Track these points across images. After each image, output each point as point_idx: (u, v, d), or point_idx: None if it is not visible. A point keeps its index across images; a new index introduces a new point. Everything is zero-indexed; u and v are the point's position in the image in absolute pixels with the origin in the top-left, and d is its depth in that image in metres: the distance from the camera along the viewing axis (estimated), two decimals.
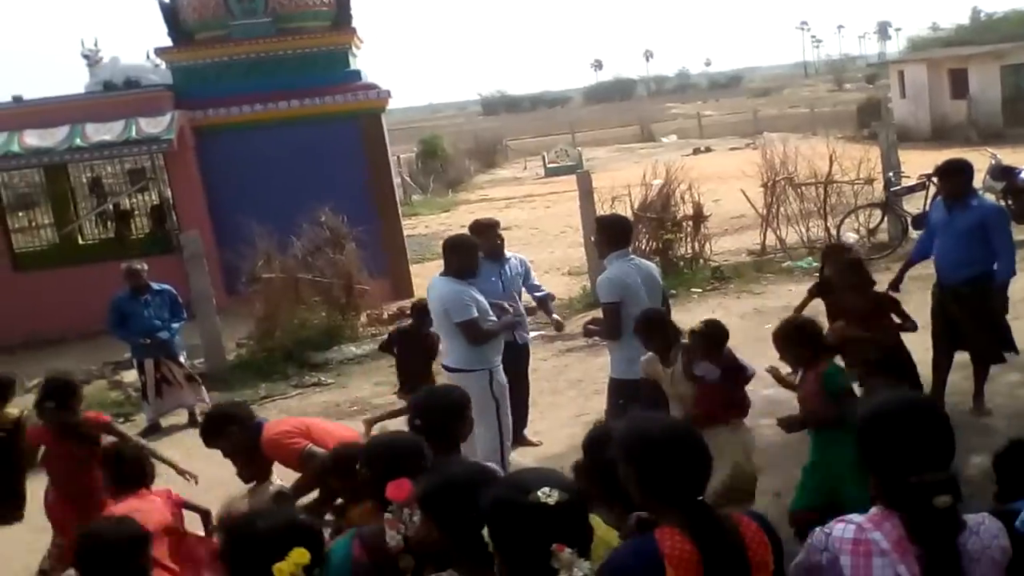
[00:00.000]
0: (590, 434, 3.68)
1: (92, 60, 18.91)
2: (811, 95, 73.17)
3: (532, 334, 9.52)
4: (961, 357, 8.11)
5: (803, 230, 16.00)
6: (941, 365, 7.95)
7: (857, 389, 6.01)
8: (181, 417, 11.00)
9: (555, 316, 9.01)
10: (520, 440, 8.34)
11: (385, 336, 9.60)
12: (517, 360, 8.38)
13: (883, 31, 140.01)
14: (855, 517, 2.74)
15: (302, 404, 10.68)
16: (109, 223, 21.38)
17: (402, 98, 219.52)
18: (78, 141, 15.70)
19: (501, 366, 7.10)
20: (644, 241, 14.70)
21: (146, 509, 4.88)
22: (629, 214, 13.72)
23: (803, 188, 16.05)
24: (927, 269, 8.27)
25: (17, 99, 18.69)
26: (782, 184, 16.04)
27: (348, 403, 11.08)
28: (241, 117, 16.60)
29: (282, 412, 10.99)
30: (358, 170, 16.73)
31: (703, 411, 5.79)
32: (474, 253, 7.20)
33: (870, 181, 15.96)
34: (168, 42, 17.32)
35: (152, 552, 3.77)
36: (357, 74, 17.62)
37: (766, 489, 7.00)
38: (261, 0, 16.93)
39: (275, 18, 17.08)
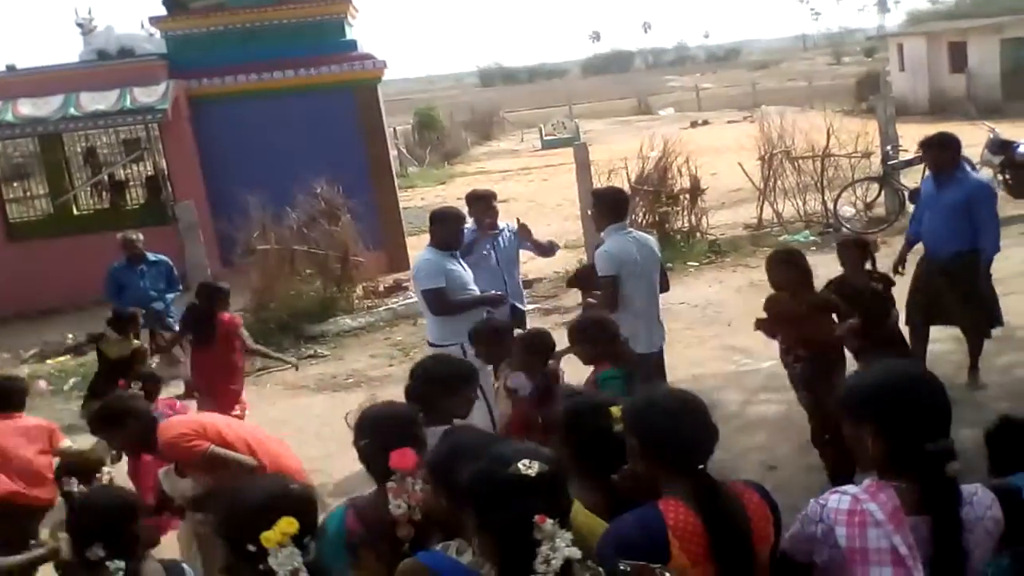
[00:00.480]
0: (568, 406, 3.58)
1: (86, 29, 18.75)
2: (809, 68, 72.92)
3: (529, 307, 9.49)
4: (945, 332, 8.13)
5: (800, 204, 15.97)
6: (917, 337, 7.91)
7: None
8: (177, 388, 10.99)
9: (548, 240, 8.55)
10: None
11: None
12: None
13: (882, 4, 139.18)
14: (850, 488, 2.74)
15: (298, 376, 10.67)
16: (104, 193, 21.34)
17: (399, 69, 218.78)
18: (72, 110, 15.62)
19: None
20: (641, 214, 14.65)
21: None
22: (626, 187, 13.69)
23: (800, 161, 16.01)
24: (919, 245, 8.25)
25: (11, 68, 18.60)
26: (779, 157, 16.00)
27: (344, 375, 11.09)
28: (236, 87, 16.49)
29: (278, 384, 11.02)
30: (354, 141, 16.67)
31: (515, 432, 5.03)
32: (457, 225, 7.17)
33: (868, 155, 15.92)
34: (162, 11, 17.17)
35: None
36: (353, 44, 17.52)
37: (762, 462, 7.06)
38: None
39: None
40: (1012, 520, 2.81)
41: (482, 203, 8.10)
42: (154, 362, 10.56)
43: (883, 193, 15.48)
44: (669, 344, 7.51)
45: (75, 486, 5.18)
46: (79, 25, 18.95)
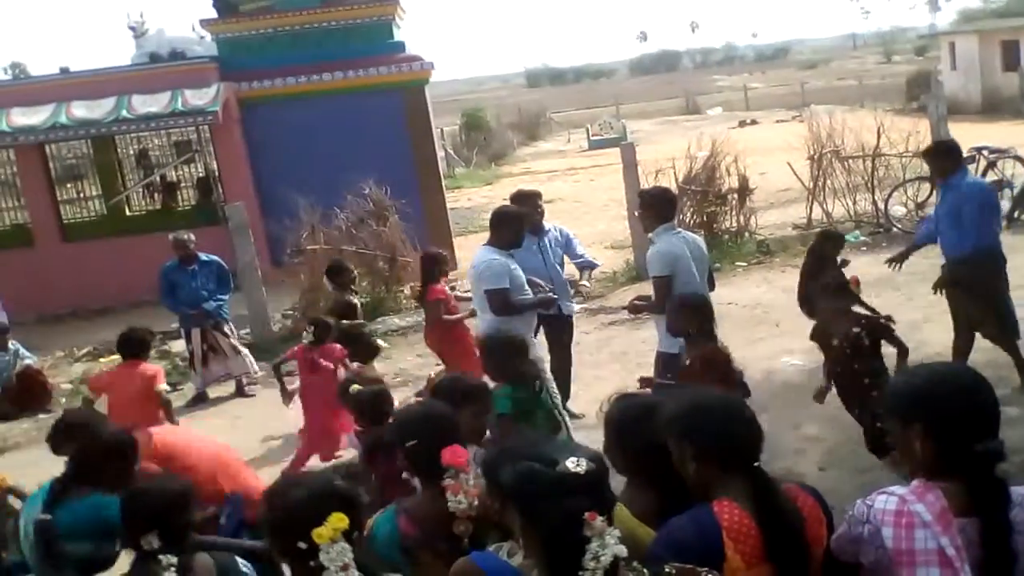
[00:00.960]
0: (620, 411, 3.44)
1: (138, 32, 19.06)
2: (859, 67, 72.27)
3: (576, 307, 9.49)
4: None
5: (850, 203, 15.82)
6: (962, 341, 7.92)
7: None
8: (228, 387, 11.13)
9: (584, 283, 8.98)
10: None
11: None
12: (560, 332, 8.40)
13: (933, 2, 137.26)
14: (897, 489, 2.70)
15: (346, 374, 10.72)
16: (156, 194, 21.65)
17: (446, 71, 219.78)
18: (124, 113, 15.83)
19: (534, 343, 7.09)
20: (688, 214, 14.61)
21: None
22: (673, 187, 13.62)
23: (850, 161, 15.86)
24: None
25: (64, 71, 18.92)
26: (829, 157, 15.85)
27: (392, 374, 11.14)
28: (285, 89, 16.65)
29: None
30: (402, 142, 16.75)
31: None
32: (519, 226, 7.24)
33: (919, 154, 15.70)
34: (213, 14, 17.38)
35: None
36: (401, 46, 17.60)
37: (812, 464, 7.01)
38: None
39: None
40: None
41: (529, 202, 8.20)
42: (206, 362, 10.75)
43: (934, 193, 15.27)
44: None
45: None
46: (131, 28, 19.28)
